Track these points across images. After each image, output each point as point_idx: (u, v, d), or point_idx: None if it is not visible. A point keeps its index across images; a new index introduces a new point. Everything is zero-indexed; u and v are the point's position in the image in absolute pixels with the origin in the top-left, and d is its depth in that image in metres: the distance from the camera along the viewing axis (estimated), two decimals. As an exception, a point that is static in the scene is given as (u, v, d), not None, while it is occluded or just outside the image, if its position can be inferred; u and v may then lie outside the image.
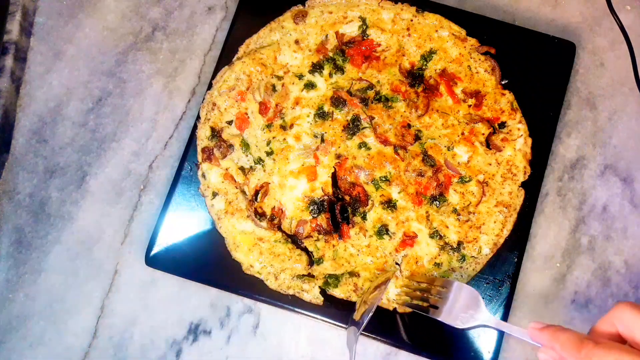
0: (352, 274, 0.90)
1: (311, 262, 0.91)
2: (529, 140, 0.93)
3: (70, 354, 0.93)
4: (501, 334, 0.87)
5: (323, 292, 0.90)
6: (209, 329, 0.93)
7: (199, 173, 0.94)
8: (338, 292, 0.89)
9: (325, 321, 0.89)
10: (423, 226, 0.92)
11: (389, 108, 0.96)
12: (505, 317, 0.88)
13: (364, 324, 0.81)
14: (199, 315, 0.93)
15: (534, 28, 1.00)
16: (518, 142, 0.93)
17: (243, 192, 0.94)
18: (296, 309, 0.90)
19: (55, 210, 0.98)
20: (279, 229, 0.93)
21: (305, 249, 0.92)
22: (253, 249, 0.91)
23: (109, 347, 0.93)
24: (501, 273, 0.90)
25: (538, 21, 1.04)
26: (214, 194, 0.93)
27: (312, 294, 0.89)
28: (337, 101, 0.96)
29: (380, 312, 0.89)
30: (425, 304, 0.84)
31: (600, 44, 1.03)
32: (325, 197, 0.93)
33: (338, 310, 0.89)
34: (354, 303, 0.89)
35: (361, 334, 0.88)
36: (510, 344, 0.91)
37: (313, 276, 0.90)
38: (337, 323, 0.89)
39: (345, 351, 0.92)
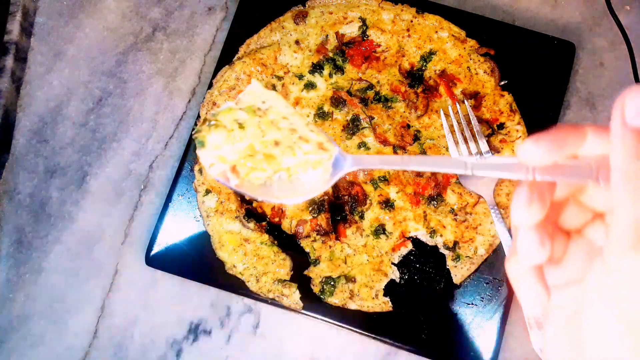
0: (348, 278, 0.90)
1: (308, 263, 0.92)
2: (528, 142, 0.93)
3: (70, 354, 0.93)
4: (501, 334, 0.88)
5: (305, 296, 0.90)
6: (209, 329, 0.93)
7: (196, 168, 0.94)
8: (334, 300, 0.89)
9: (325, 321, 0.90)
10: (420, 226, 0.92)
11: (388, 108, 0.96)
12: (504, 317, 0.88)
13: None
14: (199, 315, 0.94)
15: (534, 28, 1.00)
16: (516, 143, 0.93)
17: (236, 193, 0.94)
18: (295, 309, 0.90)
19: (55, 210, 0.98)
20: (267, 231, 0.93)
21: (295, 251, 0.93)
22: (238, 249, 0.91)
23: (110, 347, 0.93)
24: (501, 273, 0.90)
25: (537, 21, 1.04)
26: (207, 191, 0.94)
27: (291, 299, 0.89)
28: (337, 101, 0.96)
29: (380, 312, 0.89)
30: None
31: (600, 44, 1.03)
32: (325, 197, 0.93)
33: (337, 310, 0.90)
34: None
35: (361, 333, 0.89)
36: (509, 343, 0.91)
37: (294, 282, 0.91)
38: (337, 323, 0.89)
39: (344, 351, 0.92)
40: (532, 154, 0.41)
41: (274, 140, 0.56)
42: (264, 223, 0.94)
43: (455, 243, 0.91)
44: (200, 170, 0.94)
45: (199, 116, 0.97)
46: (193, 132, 0.56)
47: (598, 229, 0.45)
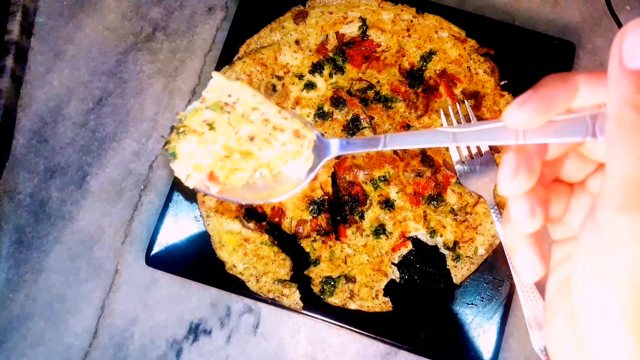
0: (348, 278, 0.90)
1: (308, 263, 0.92)
2: (528, 142, 0.93)
3: (70, 354, 0.93)
4: (501, 334, 0.88)
5: (305, 296, 0.90)
6: (209, 329, 0.93)
7: None
8: (334, 300, 0.89)
9: (325, 321, 0.89)
10: (420, 226, 0.92)
11: (388, 108, 0.96)
12: (505, 317, 0.88)
13: None
14: (199, 315, 0.93)
15: (534, 28, 1.00)
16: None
17: None
18: (295, 309, 0.90)
19: (55, 210, 0.98)
20: (267, 231, 0.93)
21: (295, 251, 0.92)
22: (238, 249, 0.91)
23: (110, 347, 0.93)
24: (501, 273, 0.90)
25: (538, 21, 1.04)
26: None
27: (291, 299, 0.89)
28: (337, 101, 0.96)
29: (380, 312, 0.89)
30: None
31: (600, 44, 1.03)
32: (325, 197, 0.93)
33: (337, 310, 0.90)
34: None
35: (361, 333, 0.89)
36: (509, 343, 0.91)
37: (294, 282, 0.91)
38: (337, 323, 0.89)
39: (344, 350, 0.92)
40: (519, 119, 0.37)
41: (248, 135, 0.52)
42: (264, 223, 0.94)
43: (456, 243, 0.91)
44: None
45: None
46: (163, 146, 0.52)
47: (600, 180, 0.40)
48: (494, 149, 0.92)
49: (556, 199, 0.43)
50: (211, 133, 0.52)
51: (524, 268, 0.41)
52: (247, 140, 0.52)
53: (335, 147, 0.50)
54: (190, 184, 0.52)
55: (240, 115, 0.52)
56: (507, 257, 0.82)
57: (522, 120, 0.37)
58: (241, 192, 0.52)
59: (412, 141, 0.46)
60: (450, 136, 0.42)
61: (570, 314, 0.38)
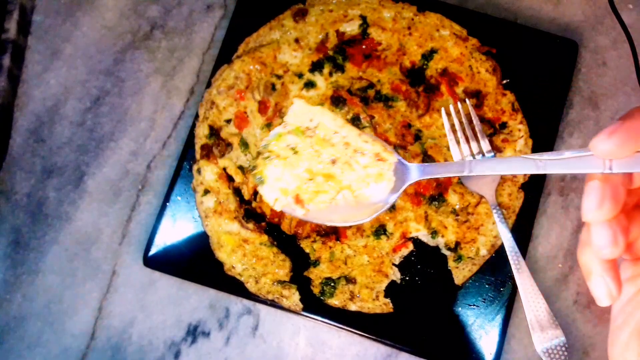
0: (349, 279, 0.89)
1: (308, 264, 0.91)
2: (530, 142, 0.92)
3: (67, 356, 0.92)
4: (503, 336, 0.87)
5: (305, 297, 0.89)
6: (207, 331, 0.92)
7: (195, 168, 0.93)
8: (334, 301, 0.89)
9: (325, 322, 0.89)
10: (421, 226, 0.91)
11: (389, 107, 0.95)
12: (506, 319, 0.88)
13: None
14: (198, 317, 0.93)
15: (536, 27, 0.99)
16: (518, 143, 0.92)
17: (235, 194, 0.93)
18: (295, 310, 0.89)
19: (52, 210, 0.97)
20: (266, 232, 0.92)
21: (294, 252, 0.92)
22: (237, 249, 0.90)
23: (107, 349, 0.92)
24: (503, 274, 0.89)
25: (540, 20, 1.03)
26: (206, 192, 0.92)
27: (291, 300, 0.88)
28: (337, 100, 0.95)
29: (381, 313, 0.89)
30: None
31: (602, 43, 1.02)
32: (325, 198, 0.92)
33: (337, 311, 0.89)
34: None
35: (361, 335, 0.88)
36: (512, 345, 0.90)
37: (294, 283, 0.90)
38: (337, 324, 0.88)
39: (344, 352, 0.91)
40: (608, 148, 0.38)
41: (330, 159, 0.54)
42: (263, 223, 0.93)
43: (457, 244, 0.90)
44: (199, 170, 0.93)
45: (197, 116, 0.96)
46: (250, 170, 0.57)
47: None
48: (497, 149, 0.91)
49: (634, 224, 0.44)
50: (295, 157, 0.55)
51: (600, 292, 0.43)
52: (329, 163, 0.55)
53: (415, 172, 0.52)
54: (278, 207, 0.55)
55: (322, 139, 0.56)
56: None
57: (610, 149, 0.39)
58: (325, 214, 0.55)
59: (497, 168, 0.48)
60: (537, 164, 0.44)
61: (636, 329, 0.41)
